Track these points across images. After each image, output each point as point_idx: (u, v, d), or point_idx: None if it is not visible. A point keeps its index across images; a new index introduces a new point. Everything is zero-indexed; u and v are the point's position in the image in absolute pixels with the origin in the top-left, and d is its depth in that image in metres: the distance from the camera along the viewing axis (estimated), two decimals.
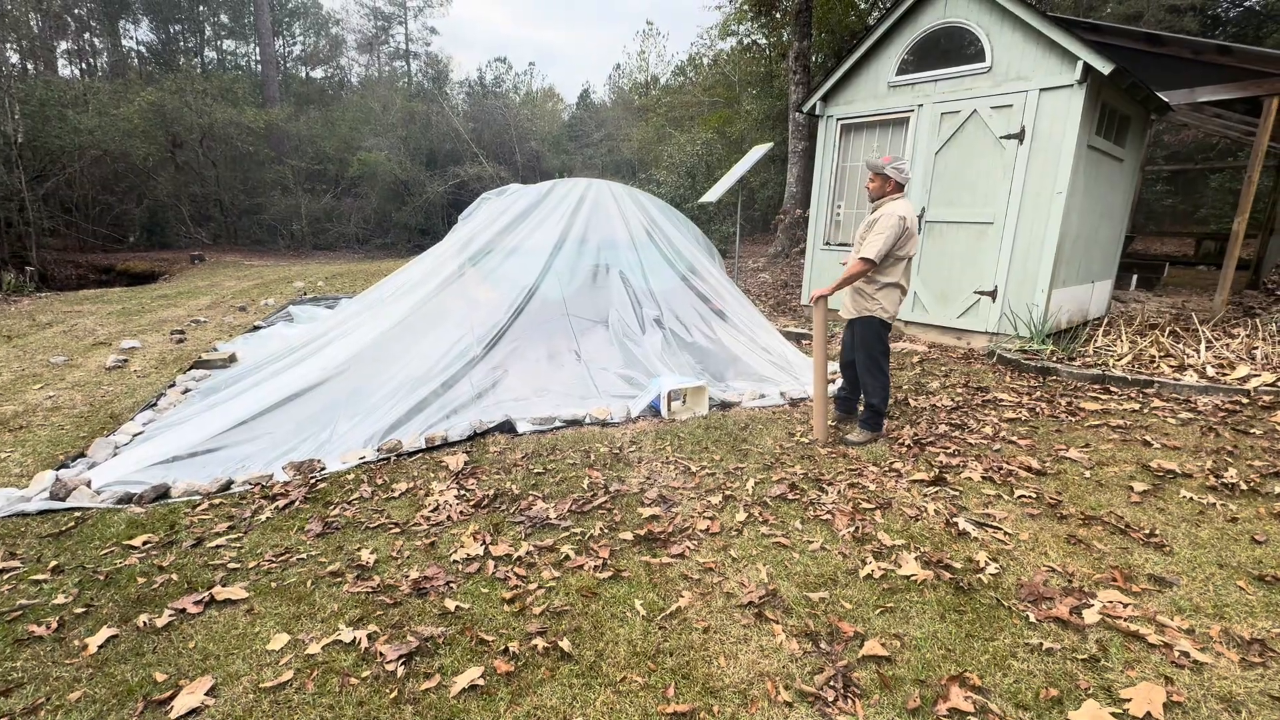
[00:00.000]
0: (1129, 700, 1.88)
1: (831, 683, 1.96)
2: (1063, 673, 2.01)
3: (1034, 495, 3.21)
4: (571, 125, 30.59)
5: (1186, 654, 2.07)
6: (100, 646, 2.12)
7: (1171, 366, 5.21)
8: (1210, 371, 4.99)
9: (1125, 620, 2.23)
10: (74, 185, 16.57)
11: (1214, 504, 3.09)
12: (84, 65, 23.67)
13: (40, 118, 14.72)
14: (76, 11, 22.07)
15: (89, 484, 3.27)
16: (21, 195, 14.16)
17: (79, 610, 2.31)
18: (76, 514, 3.03)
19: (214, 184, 19.53)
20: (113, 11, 23.26)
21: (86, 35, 23.38)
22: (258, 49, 25.06)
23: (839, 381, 4.52)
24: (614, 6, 65.09)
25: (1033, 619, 2.26)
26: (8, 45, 17.28)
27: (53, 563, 2.61)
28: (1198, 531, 2.85)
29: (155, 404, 4.60)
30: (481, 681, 1.97)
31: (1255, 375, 4.80)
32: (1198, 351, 5.49)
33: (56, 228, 16.21)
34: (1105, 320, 7.34)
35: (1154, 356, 5.48)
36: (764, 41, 19.01)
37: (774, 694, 1.93)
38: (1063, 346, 5.89)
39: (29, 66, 19.30)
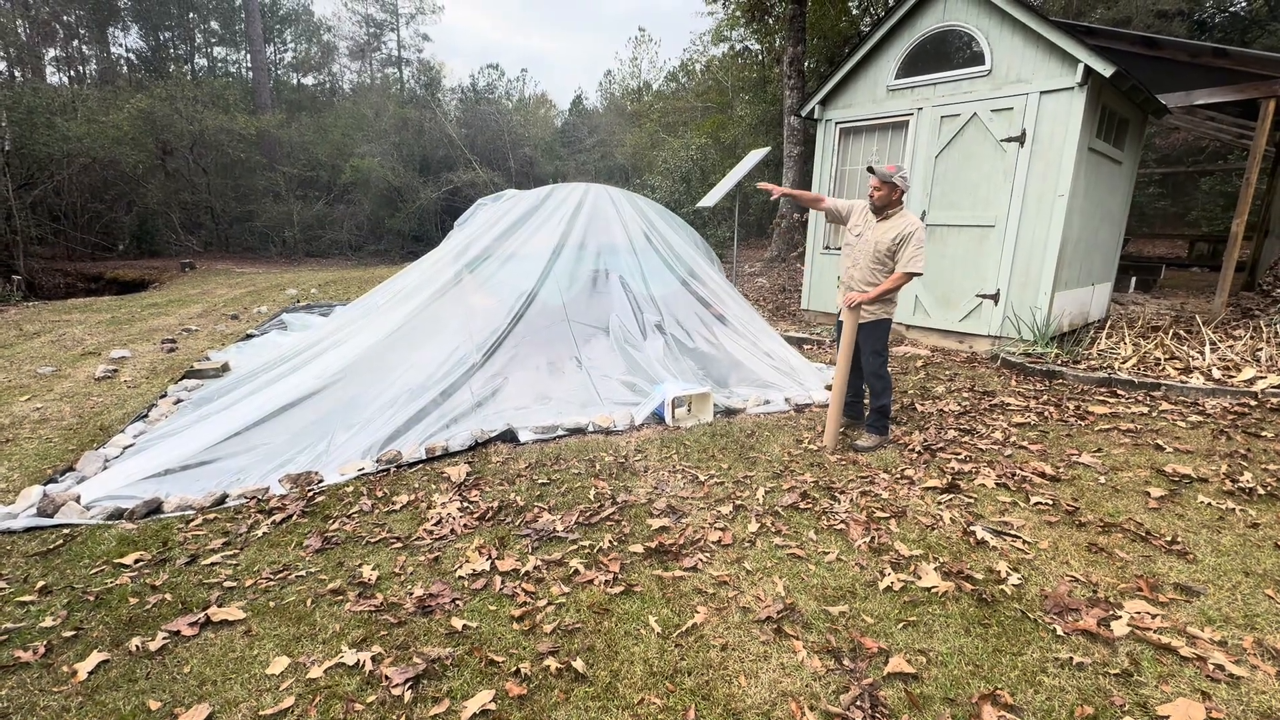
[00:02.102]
0: (1167, 717, 1.82)
1: (858, 703, 1.89)
2: (1096, 689, 1.94)
3: (1050, 502, 3.15)
4: (564, 131, 30.62)
5: (1221, 667, 2.00)
6: (90, 672, 2.02)
7: (1177, 369, 5.18)
8: (1216, 374, 4.96)
9: (1155, 632, 2.17)
10: (62, 193, 16.38)
11: (1233, 509, 3.03)
12: (73, 72, 23.48)
13: (28, 125, 14.54)
14: (65, 18, 21.89)
15: (78, 499, 3.16)
16: (9, 203, 13.96)
17: (68, 634, 2.20)
18: (65, 531, 2.92)
19: (205, 191, 19.35)
20: (102, 18, 23.10)
21: (75, 42, 23.20)
22: (249, 56, 24.93)
23: None
24: (605, 14, 65.38)
25: (1060, 632, 2.19)
26: None
27: (40, 583, 2.50)
28: (1219, 538, 2.79)
29: (146, 415, 4.48)
30: (493, 706, 1.89)
31: (1261, 378, 4.78)
32: (1202, 354, 5.47)
33: (44, 236, 15.98)
34: (1106, 323, 7.32)
35: (1158, 359, 5.45)
36: (757, 47, 19.09)
37: (799, 715, 1.85)
38: (1066, 349, 5.85)
39: (16, 73, 19.10)
